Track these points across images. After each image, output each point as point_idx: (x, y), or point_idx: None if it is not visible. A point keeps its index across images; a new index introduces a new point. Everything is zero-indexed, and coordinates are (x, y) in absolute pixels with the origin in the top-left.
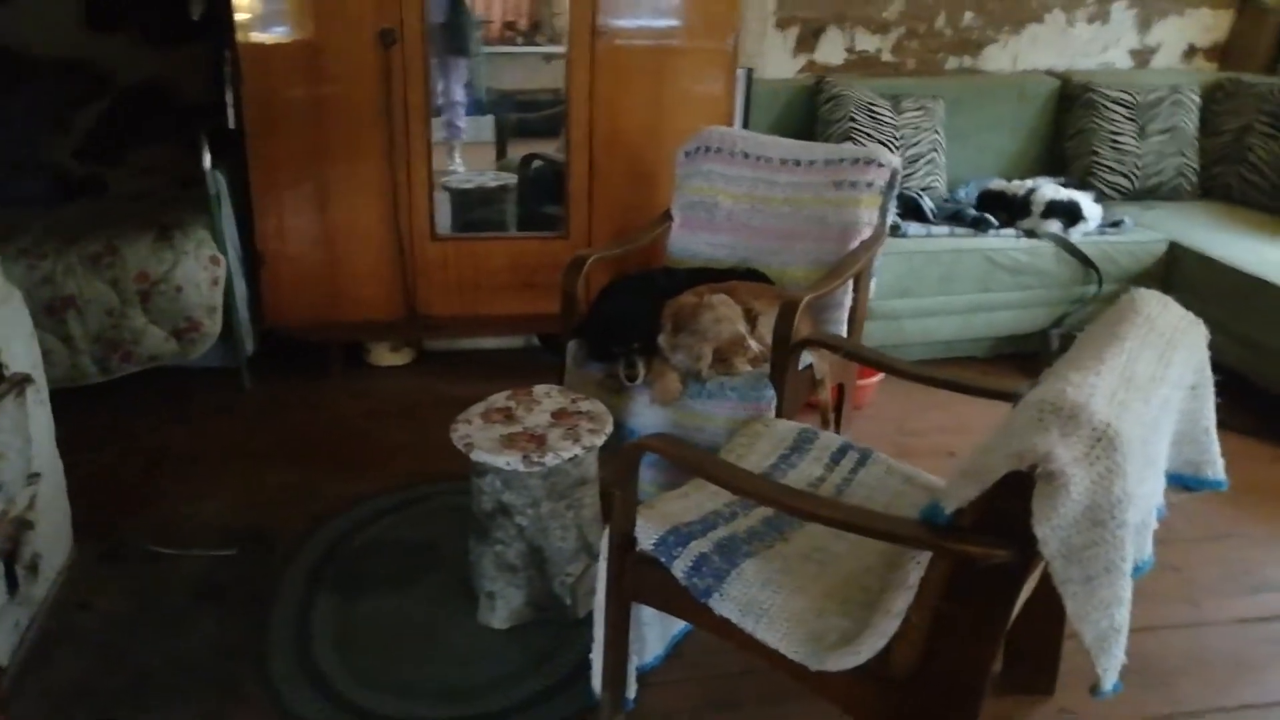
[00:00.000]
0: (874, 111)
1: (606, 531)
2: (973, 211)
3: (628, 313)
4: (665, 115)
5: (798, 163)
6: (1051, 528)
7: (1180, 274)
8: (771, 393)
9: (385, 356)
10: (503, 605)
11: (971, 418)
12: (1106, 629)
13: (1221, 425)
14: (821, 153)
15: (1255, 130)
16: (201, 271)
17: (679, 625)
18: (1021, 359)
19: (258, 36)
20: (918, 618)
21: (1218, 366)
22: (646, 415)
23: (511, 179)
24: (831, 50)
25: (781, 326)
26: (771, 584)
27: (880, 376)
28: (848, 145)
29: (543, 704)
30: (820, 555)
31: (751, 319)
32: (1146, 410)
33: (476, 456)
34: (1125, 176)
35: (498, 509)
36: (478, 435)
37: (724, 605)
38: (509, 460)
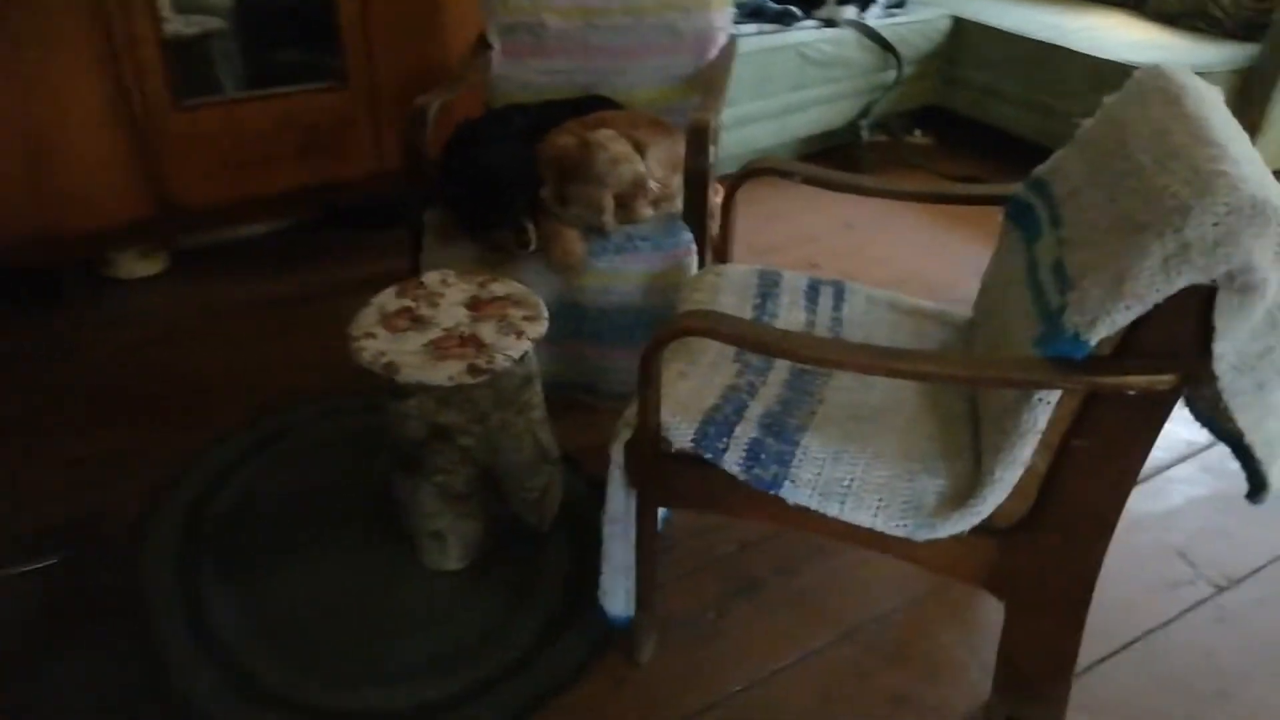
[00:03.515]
0: None
1: (619, 439)
2: (773, 5)
3: (501, 167)
4: None
5: None
6: (1231, 339)
7: (968, 48)
8: (689, 235)
9: (133, 267)
10: (455, 542)
11: (813, 225)
12: (1276, 432)
13: None
14: None
15: None
16: None
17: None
18: (833, 154)
19: None
20: (1038, 461)
21: (1018, 140)
22: (543, 287)
23: (214, 22)
24: None
25: (698, 157)
26: (843, 456)
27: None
28: None
29: (547, 648)
30: (865, 411)
31: (640, 153)
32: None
33: (406, 378)
34: None
35: (432, 434)
36: (395, 351)
37: (798, 493)
38: (451, 374)
